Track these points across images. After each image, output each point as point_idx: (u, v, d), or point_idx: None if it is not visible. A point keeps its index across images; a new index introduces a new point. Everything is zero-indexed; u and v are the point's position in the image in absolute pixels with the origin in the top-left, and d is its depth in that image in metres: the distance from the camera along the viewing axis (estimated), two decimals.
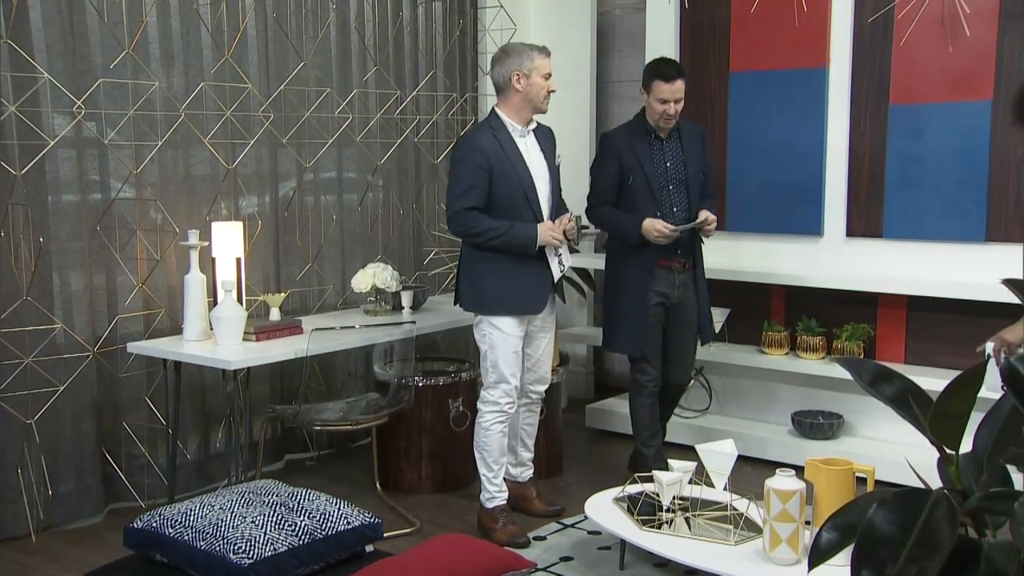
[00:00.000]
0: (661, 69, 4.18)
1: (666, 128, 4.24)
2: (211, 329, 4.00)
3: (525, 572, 2.96)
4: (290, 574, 2.76)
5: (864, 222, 4.74)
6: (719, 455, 3.50)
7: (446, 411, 4.53)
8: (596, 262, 5.23)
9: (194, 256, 4.04)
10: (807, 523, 3.10)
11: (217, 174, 4.48)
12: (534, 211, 3.87)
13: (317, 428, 4.36)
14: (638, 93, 4.31)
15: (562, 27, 5.92)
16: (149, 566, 2.90)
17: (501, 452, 4.00)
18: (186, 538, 2.80)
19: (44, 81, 3.86)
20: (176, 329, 4.19)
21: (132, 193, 4.20)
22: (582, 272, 5.69)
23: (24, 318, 3.86)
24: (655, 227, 4.13)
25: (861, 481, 3.12)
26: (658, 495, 3.44)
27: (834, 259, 4.83)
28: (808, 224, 4.88)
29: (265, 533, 2.78)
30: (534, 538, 3.92)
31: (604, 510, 3.57)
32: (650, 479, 3.51)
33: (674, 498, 3.43)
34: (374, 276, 4.57)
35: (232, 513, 2.88)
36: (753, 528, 3.32)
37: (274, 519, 2.86)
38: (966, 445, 1.48)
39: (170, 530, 2.85)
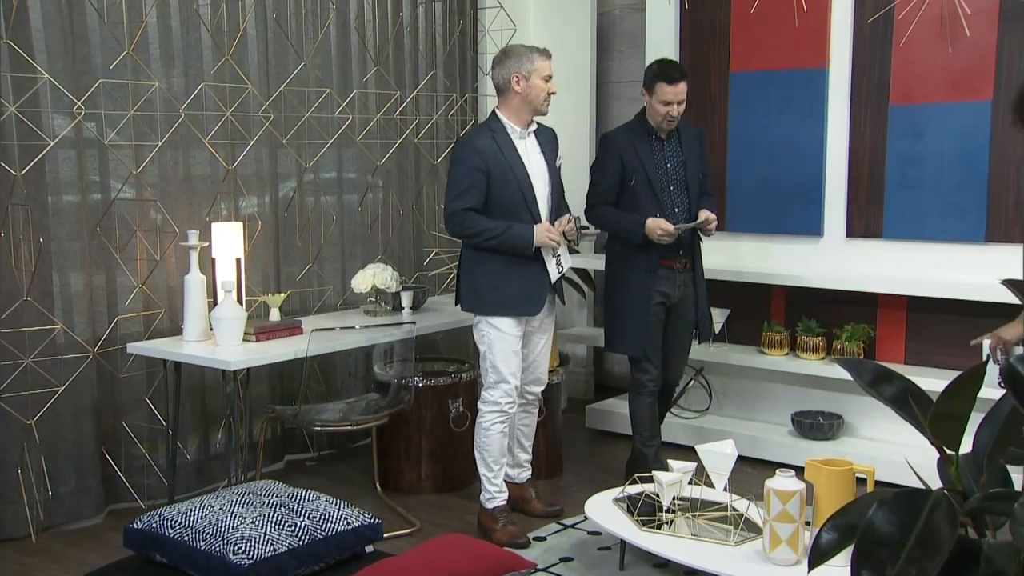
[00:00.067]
0: (665, 71, 4.16)
1: (667, 129, 4.25)
2: (211, 330, 4.00)
3: (525, 572, 2.96)
4: (290, 574, 2.76)
5: (864, 222, 4.74)
6: (719, 455, 3.51)
7: (446, 411, 4.53)
8: (596, 263, 5.22)
9: (194, 256, 4.04)
10: (807, 524, 3.10)
11: (217, 174, 4.48)
12: (532, 213, 3.87)
13: (317, 428, 4.36)
14: (639, 94, 4.31)
15: (562, 27, 5.92)
16: (149, 567, 2.90)
17: (501, 452, 4.00)
18: (186, 539, 2.80)
19: (44, 81, 3.86)
20: (176, 330, 4.19)
21: (132, 193, 4.20)
22: (582, 273, 5.69)
23: (24, 318, 3.86)
24: (659, 226, 4.13)
25: (861, 482, 3.12)
26: (658, 496, 3.44)
27: (834, 259, 4.83)
28: (808, 224, 4.88)
29: (265, 534, 2.78)
30: (534, 538, 3.92)
31: (604, 510, 3.57)
32: (650, 479, 3.51)
33: (674, 498, 3.43)
34: (374, 276, 4.57)
35: (232, 514, 2.88)
36: (753, 529, 3.32)
37: (274, 520, 2.86)
38: (966, 445, 1.48)
39: (170, 531, 2.85)
